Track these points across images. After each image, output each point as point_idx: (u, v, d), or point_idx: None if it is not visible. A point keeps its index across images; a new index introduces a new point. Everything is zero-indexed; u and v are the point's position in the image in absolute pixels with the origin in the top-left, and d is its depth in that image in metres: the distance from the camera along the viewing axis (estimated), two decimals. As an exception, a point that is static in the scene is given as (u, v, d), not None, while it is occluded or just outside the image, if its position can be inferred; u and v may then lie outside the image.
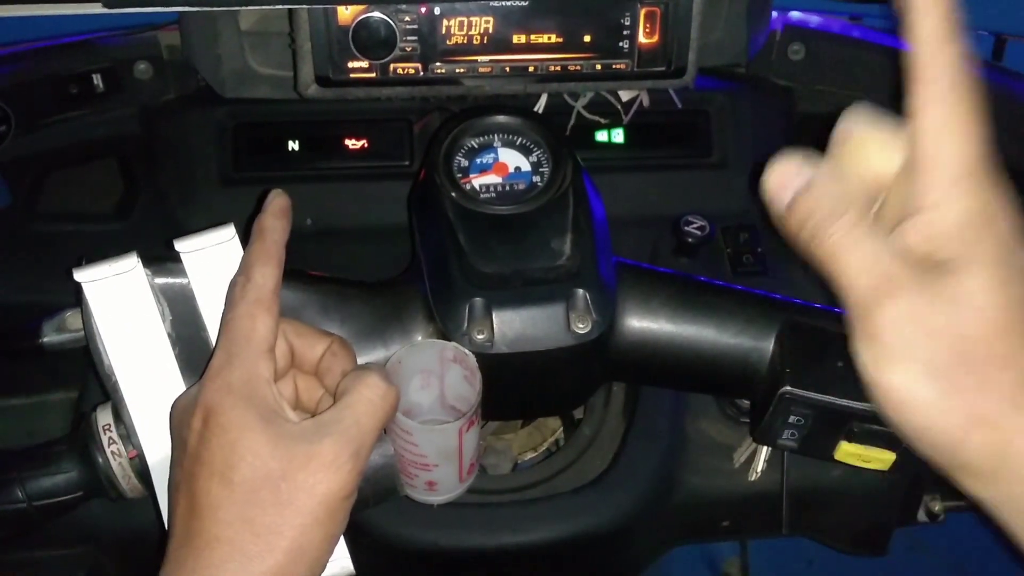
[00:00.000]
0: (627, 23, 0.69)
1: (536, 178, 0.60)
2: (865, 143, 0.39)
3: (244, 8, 0.71)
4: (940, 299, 0.37)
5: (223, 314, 0.47)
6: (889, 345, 0.37)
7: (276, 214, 0.49)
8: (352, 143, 0.79)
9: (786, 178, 0.39)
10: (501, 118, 0.62)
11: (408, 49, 0.68)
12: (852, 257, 0.37)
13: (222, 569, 0.41)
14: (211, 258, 0.50)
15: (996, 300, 0.36)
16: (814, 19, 0.86)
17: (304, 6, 0.66)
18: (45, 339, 0.57)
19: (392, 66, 0.69)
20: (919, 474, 0.73)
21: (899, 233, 0.38)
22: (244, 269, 0.47)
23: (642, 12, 0.69)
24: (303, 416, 0.46)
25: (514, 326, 0.53)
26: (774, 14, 0.83)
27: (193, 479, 0.43)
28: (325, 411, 0.45)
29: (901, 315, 0.37)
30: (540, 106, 0.76)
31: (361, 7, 0.67)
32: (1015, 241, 0.37)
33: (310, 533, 0.42)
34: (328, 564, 0.46)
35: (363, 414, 0.44)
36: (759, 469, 0.69)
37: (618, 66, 0.71)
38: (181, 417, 0.45)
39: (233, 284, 0.47)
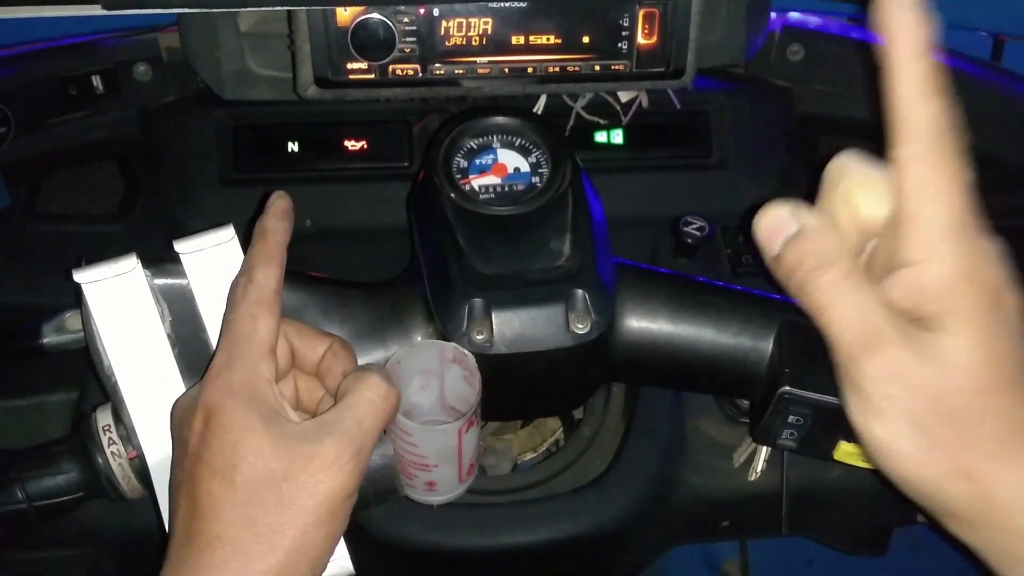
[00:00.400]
0: (626, 24, 0.69)
1: (535, 179, 0.60)
2: (854, 190, 0.39)
3: (243, 9, 0.71)
4: (923, 355, 0.37)
5: (225, 315, 0.47)
6: (874, 397, 0.38)
7: (278, 215, 0.49)
8: (352, 144, 0.79)
9: (776, 225, 0.40)
10: (500, 119, 0.62)
11: (407, 50, 0.68)
12: (839, 310, 0.39)
13: (223, 569, 0.41)
14: (210, 259, 0.50)
15: (977, 357, 0.37)
16: (813, 20, 0.86)
17: (303, 7, 0.66)
18: (45, 340, 0.57)
19: (391, 67, 0.69)
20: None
21: (885, 286, 0.39)
22: (246, 270, 0.47)
23: (641, 13, 0.69)
24: (304, 416, 0.46)
25: (513, 327, 0.53)
26: (773, 15, 0.83)
27: (194, 479, 0.43)
28: (327, 411, 0.45)
29: (885, 369, 0.38)
30: (539, 107, 0.76)
31: (360, 8, 0.67)
32: (1000, 296, 0.38)
33: (312, 533, 0.42)
34: (328, 564, 0.46)
35: (365, 414, 0.44)
36: (759, 469, 0.69)
37: (617, 67, 0.71)
38: (182, 417, 0.45)
39: (235, 285, 0.47)
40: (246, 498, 0.42)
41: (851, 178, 0.40)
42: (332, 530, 0.43)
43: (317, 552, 0.43)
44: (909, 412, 0.38)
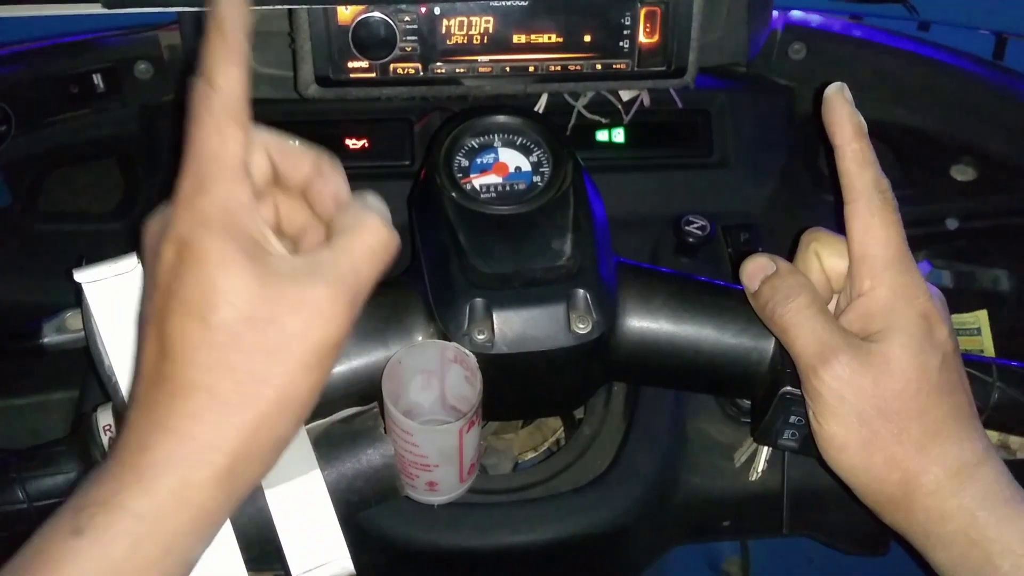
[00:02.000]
0: (627, 23, 0.69)
1: (536, 178, 0.60)
2: (821, 249, 0.51)
3: (244, 8, 0.71)
4: (867, 364, 0.47)
5: (189, 130, 0.40)
6: (827, 400, 0.47)
7: (235, 2, 0.41)
8: (352, 143, 0.79)
9: (757, 268, 0.52)
10: (501, 118, 0.62)
11: (408, 49, 0.68)
12: (801, 330, 0.49)
13: (200, 419, 0.37)
14: None
15: (911, 364, 0.47)
16: (815, 18, 0.86)
17: (304, 6, 0.66)
18: (45, 339, 0.57)
19: (392, 66, 0.69)
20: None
21: (843, 315, 0.49)
22: (204, 73, 0.39)
23: (642, 12, 0.69)
24: (287, 246, 0.41)
25: (514, 326, 0.53)
26: (775, 13, 0.83)
27: (166, 316, 0.38)
28: (319, 250, 0.40)
29: (837, 376, 0.47)
30: (540, 106, 0.76)
31: (361, 7, 0.67)
32: (932, 322, 0.48)
33: (299, 381, 0.39)
34: (328, 564, 0.46)
35: (363, 262, 0.41)
36: (760, 469, 0.69)
37: (618, 66, 0.71)
38: (152, 245, 0.40)
39: (194, 94, 0.40)
40: (225, 341, 0.37)
41: (819, 241, 0.51)
42: (319, 377, 0.40)
43: (302, 400, 0.39)
44: (855, 411, 0.47)
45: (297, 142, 0.44)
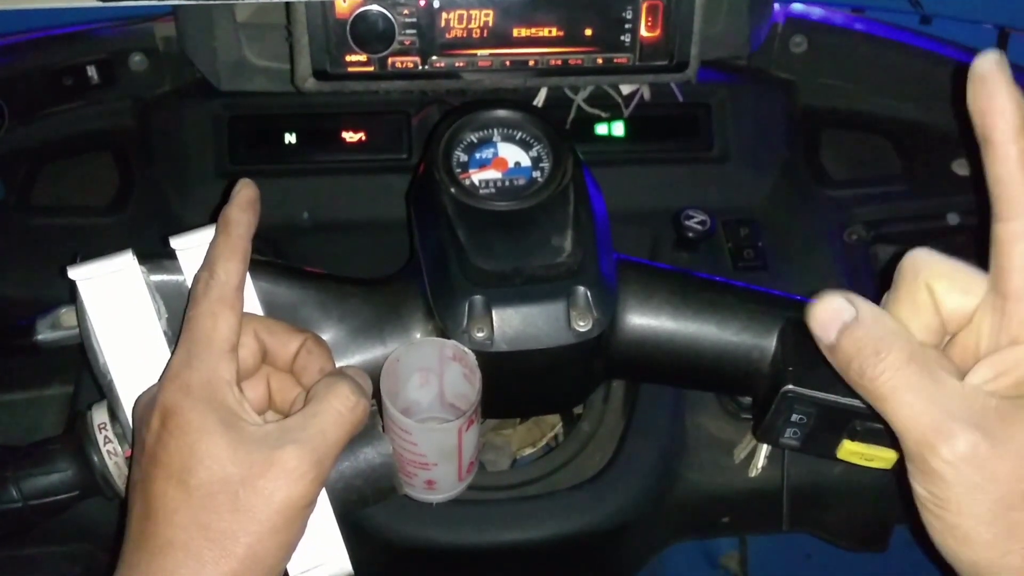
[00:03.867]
0: (629, 16, 0.69)
1: (536, 173, 0.60)
2: (936, 282, 0.39)
3: (240, 1, 0.70)
4: (1009, 440, 0.36)
5: (186, 311, 0.45)
6: (952, 487, 0.37)
7: (242, 206, 0.48)
8: (350, 136, 0.78)
9: (831, 314, 0.39)
10: (501, 112, 0.61)
11: (407, 43, 0.68)
12: (905, 395, 0.37)
13: (175, 574, 0.40)
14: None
15: None
16: (816, 11, 0.85)
17: (301, -2, 0.65)
18: (40, 336, 0.56)
19: (390, 60, 0.68)
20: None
21: (976, 370, 0.37)
22: (208, 264, 0.46)
23: (644, 5, 0.68)
24: (277, 417, 0.45)
25: (514, 324, 0.53)
26: (776, 6, 0.82)
27: (149, 481, 0.42)
28: (291, 417, 0.44)
29: (963, 458, 0.36)
30: (540, 100, 0.76)
31: (359, 0, 0.66)
32: None
33: (266, 541, 0.41)
34: (325, 564, 0.46)
35: (330, 424, 0.43)
36: (759, 465, 0.68)
37: (620, 60, 0.70)
38: (141, 415, 0.44)
39: (196, 280, 0.46)
40: (200, 502, 0.41)
41: (933, 271, 0.39)
42: (287, 539, 0.42)
43: (271, 561, 0.42)
44: (990, 499, 0.36)
45: (287, 324, 0.49)
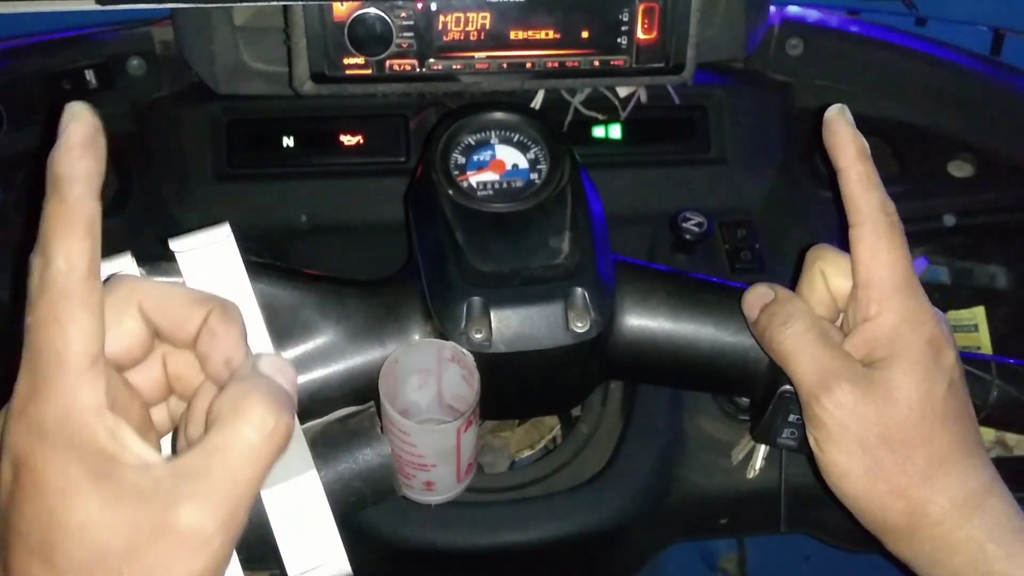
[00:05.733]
0: (625, 19, 0.69)
1: (534, 175, 0.60)
2: (826, 269, 0.49)
3: (238, 4, 0.70)
4: (871, 392, 0.46)
5: (25, 319, 0.33)
6: (830, 427, 0.46)
7: (73, 149, 0.32)
8: (347, 139, 0.78)
9: (757, 297, 0.51)
10: (498, 115, 0.61)
11: (404, 45, 0.68)
12: (801, 355, 0.48)
13: None
14: (206, 257, 0.49)
15: (917, 392, 0.46)
16: (812, 14, 0.85)
17: (299, 2, 0.66)
18: (38, 339, 0.56)
19: (388, 62, 0.68)
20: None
21: (847, 340, 0.48)
22: (40, 249, 0.32)
23: (640, 8, 0.69)
24: (182, 407, 0.36)
25: (512, 325, 0.53)
26: (772, 9, 0.82)
27: (9, 552, 0.32)
28: (188, 454, 0.33)
29: (839, 404, 0.46)
30: (537, 102, 0.76)
31: (356, 3, 0.66)
32: (939, 348, 0.46)
33: None
34: (324, 565, 0.46)
35: (240, 462, 0.33)
36: (757, 466, 0.69)
37: (616, 62, 0.70)
38: None
39: (30, 273, 0.33)
40: None
41: (824, 260, 0.50)
42: None
43: None
44: (859, 439, 0.46)
45: (184, 292, 0.37)
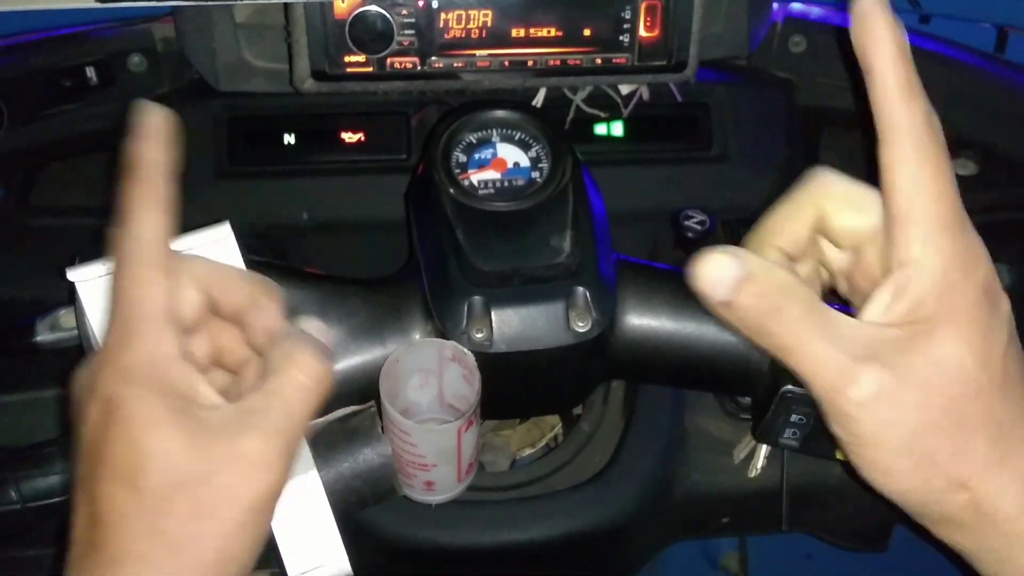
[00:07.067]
0: (627, 16, 0.68)
1: (535, 174, 0.60)
2: (828, 205, 0.40)
3: (239, 2, 0.70)
4: (913, 369, 0.36)
5: (112, 280, 0.39)
6: (863, 426, 0.37)
7: (151, 139, 0.39)
8: (348, 136, 0.78)
9: (720, 272, 0.39)
10: (500, 113, 0.61)
11: (405, 43, 0.67)
12: (808, 346, 0.37)
13: None
14: (206, 256, 0.49)
15: (971, 360, 0.37)
16: (815, 11, 0.85)
17: (300, 0, 0.65)
18: (39, 338, 0.56)
19: (389, 60, 0.68)
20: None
21: (876, 297, 0.38)
22: (124, 222, 0.39)
23: (642, 5, 0.68)
24: (227, 378, 0.41)
25: (513, 325, 0.53)
26: (775, 6, 0.82)
27: (94, 482, 0.37)
28: (250, 396, 0.39)
29: (871, 397, 0.37)
30: (538, 100, 0.76)
31: (358, 1, 0.66)
32: (993, 295, 0.38)
33: (235, 541, 0.37)
34: (325, 565, 0.46)
35: (294, 402, 0.39)
36: (759, 465, 0.68)
37: (618, 60, 0.70)
38: (78, 402, 0.39)
39: (115, 243, 0.39)
40: (156, 506, 0.36)
41: (827, 190, 0.41)
42: (257, 532, 0.38)
43: (243, 557, 0.38)
44: (903, 433, 0.37)
45: (235, 269, 0.43)
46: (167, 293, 0.38)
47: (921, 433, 0.37)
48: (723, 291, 0.39)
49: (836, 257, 0.42)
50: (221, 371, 0.44)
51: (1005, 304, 0.38)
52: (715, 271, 0.39)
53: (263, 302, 0.42)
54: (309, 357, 0.40)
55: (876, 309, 0.38)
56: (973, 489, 0.37)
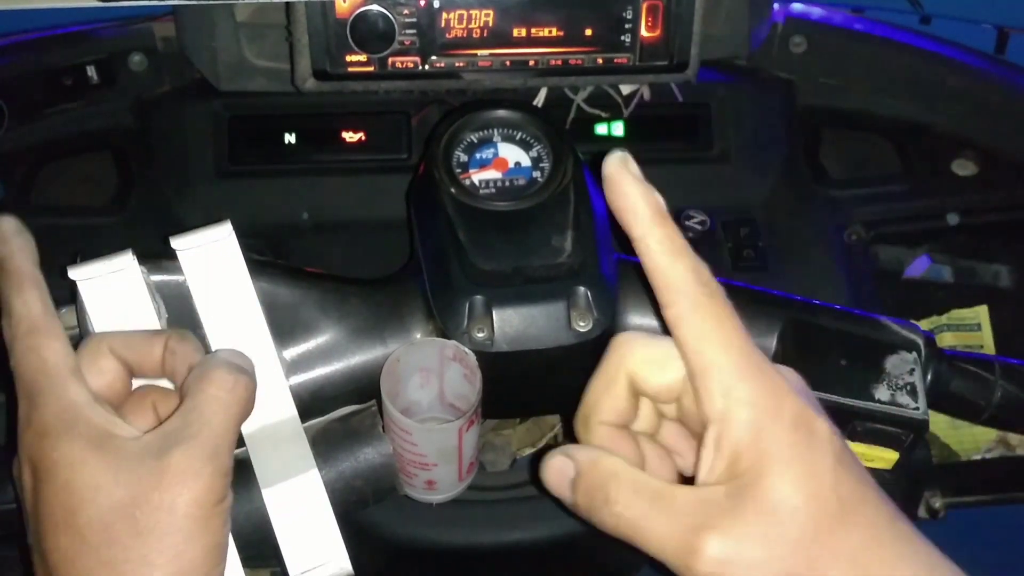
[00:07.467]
0: (629, 16, 0.68)
1: (536, 174, 0.60)
2: (636, 372, 0.39)
3: (240, 1, 0.70)
4: (754, 523, 0.35)
5: (11, 362, 0.41)
6: None
7: (6, 239, 0.43)
8: (349, 136, 0.78)
9: (558, 475, 0.40)
10: (501, 112, 0.61)
11: (407, 43, 0.67)
12: (646, 525, 0.37)
13: None
14: (207, 255, 0.49)
15: (802, 498, 0.35)
16: (816, 11, 0.85)
17: (301, -2, 0.65)
18: (40, 336, 0.56)
19: (390, 60, 0.68)
20: (920, 471, 0.73)
21: (700, 462, 0.37)
22: (4, 308, 0.42)
23: (644, 5, 0.68)
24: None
25: (514, 324, 0.53)
26: (776, 6, 0.82)
27: (40, 539, 0.38)
28: (169, 421, 0.40)
29: (717, 564, 0.35)
30: (539, 100, 0.76)
31: (359, 0, 0.66)
32: (810, 424, 0.36)
33: (186, 552, 0.38)
34: (326, 564, 0.46)
35: (212, 413, 0.40)
36: (759, 466, 0.68)
37: (620, 60, 0.70)
38: (17, 480, 0.40)
39: (3, 329, 0.41)
40: (98, 539, 0.37)
41: (632, 357, 0.40)
42: (209, 540, 0.38)
43: (202, 568, 0.38)
44: None
45: (142, 330, 0.45)
46: (61, 352, 0.40)
47: None
48: (563, 492, 0.40)
49: (666, 409, 0.42)
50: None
51: (822, 427, 0.37)
52: (554, 475, 0.40)
53: (178, 347, 0.43)
54: (220, 371, 0.41)
55: (703, 469, 0.37)
56: None
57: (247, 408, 0.42)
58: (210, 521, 0.38)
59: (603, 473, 0.38)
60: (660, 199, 0.38)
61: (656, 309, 0.48)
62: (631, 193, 0.38)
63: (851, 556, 0.35)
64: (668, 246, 0.38)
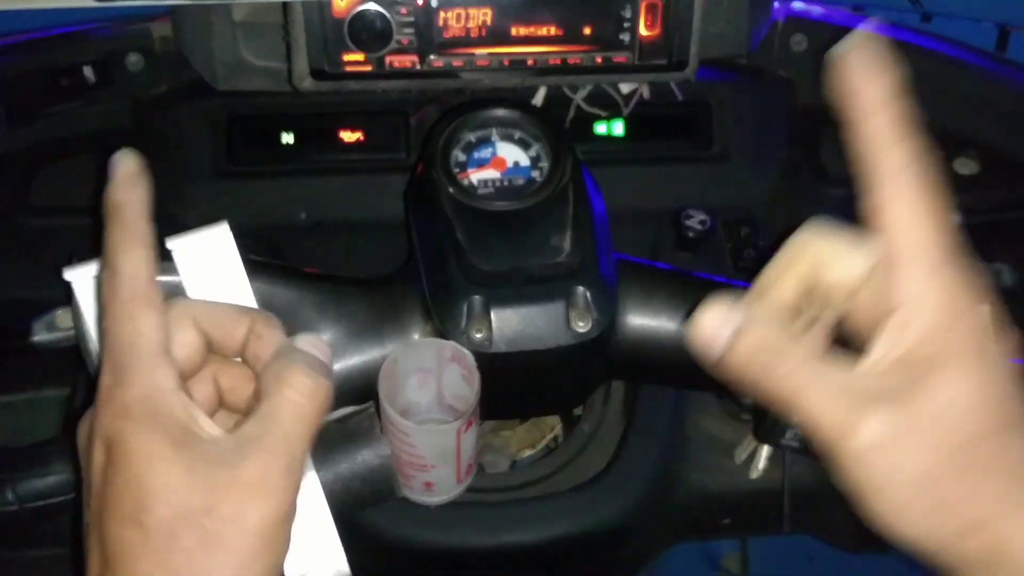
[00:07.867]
0: (628, 15, 0.68)
1: (535, 173, 0.59)
2: (824, 257, 0.39)
3: (237, 1, 0.70)
4: (917, 413, 0.35)
5: (101, 322, 0.39)
6: (873, 471, 0.36)
7: (126, 183, 0.40)
8: (347, 136, 0.78)
9: (714, 326, 0.38)
10: (499, 112, 0.61)
11: (404, 42, 0.67)
12: (809, 394, 0.36)
13: None
14: (204, 256, 0.49)
15: (979, 399, 0.35)
16: (816, 10, 0.85)
17: (298, -3, 0.65)
18: (36, 338, 0.56)
19: (388, 59, 0.68)
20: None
21: (876, 343, 0.37)
22: (107, 262, 0.39)
23: (643, 4, 0.68)
24: (232, 420, 0.41)
25: (513, 325, 0.52)
26: (776, 4, 0.82)
27: (102, 524, 0.37)
28: (247, 423, 0.39)
29: (879, 440, 0.35)
30: (538, 99, 0.75)
31: (356, -2, 0.66)
32: (991, 329, 0.36)
33: (248, 570, 0.37)
34: (323, 566, 0.45)
35: (289, 422, 0.38)
36: (760, 466, 0.68)
37: (619, 59, 0.70)
38: (83, 448, 0.39)
39: (100, 283, 0.40)
40: (163, 543, 0.36)
41: (821, 247, 0.39)
42: (270, 560, 0.38)
43: None
44: (914, 476, 0.35)
45: (231, 306, 0.43)
46: (158, 327, 0.38)
47: (931, 476, 0.35)
48: (722, 342, 0.38)
49: (833, 304, 0.40)
50: (227, 412, 0.44)
51: (1006, 341, 0.37)
52: (710, 324, 0.38)
53: (264, 332, 0.42)
54: (300, 374, 0.39)
55: (877, 352, 0.37)
56: (991, 531, 0.36)
57: (323, 415, 0.40)
58: (275, 541, 0.38)
59: (771, 334, 0.37)
60: (895, 76, 0.37)
61: (656, 309, 0.47)
62: (868, 63, 0.37)
63: (1013, 466, 0.36)
64: (898, 126, 0.36)
